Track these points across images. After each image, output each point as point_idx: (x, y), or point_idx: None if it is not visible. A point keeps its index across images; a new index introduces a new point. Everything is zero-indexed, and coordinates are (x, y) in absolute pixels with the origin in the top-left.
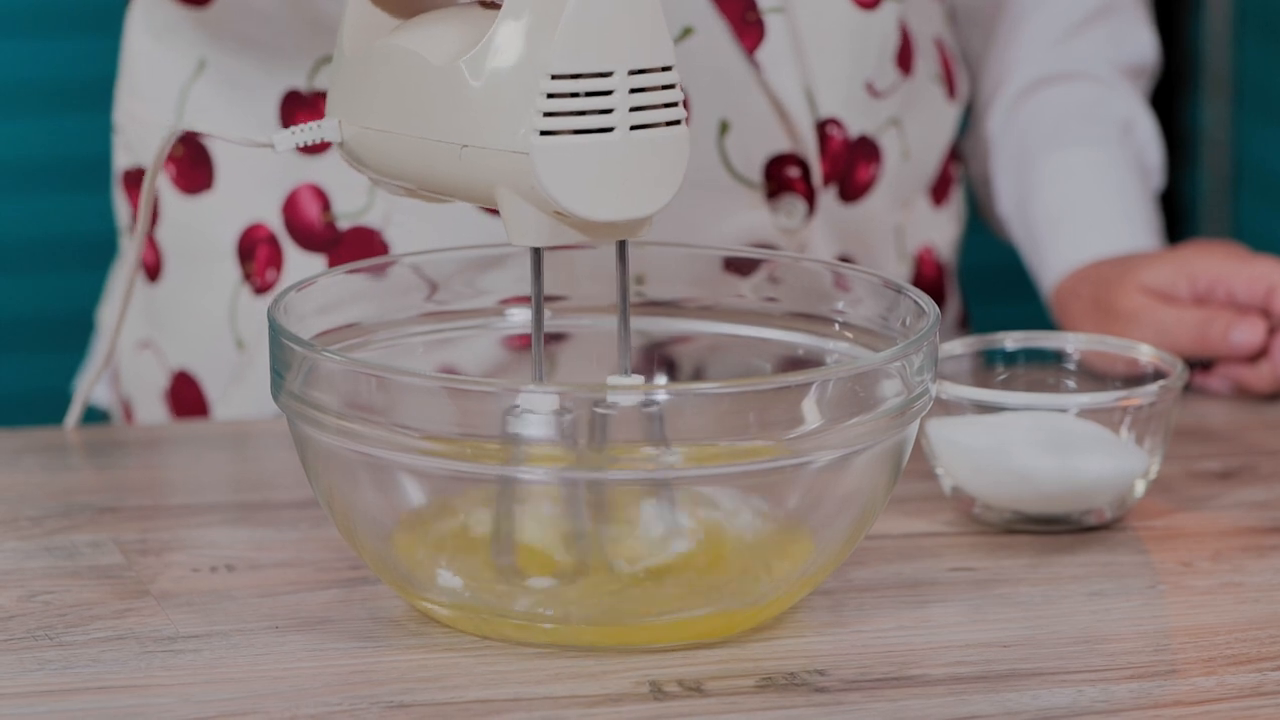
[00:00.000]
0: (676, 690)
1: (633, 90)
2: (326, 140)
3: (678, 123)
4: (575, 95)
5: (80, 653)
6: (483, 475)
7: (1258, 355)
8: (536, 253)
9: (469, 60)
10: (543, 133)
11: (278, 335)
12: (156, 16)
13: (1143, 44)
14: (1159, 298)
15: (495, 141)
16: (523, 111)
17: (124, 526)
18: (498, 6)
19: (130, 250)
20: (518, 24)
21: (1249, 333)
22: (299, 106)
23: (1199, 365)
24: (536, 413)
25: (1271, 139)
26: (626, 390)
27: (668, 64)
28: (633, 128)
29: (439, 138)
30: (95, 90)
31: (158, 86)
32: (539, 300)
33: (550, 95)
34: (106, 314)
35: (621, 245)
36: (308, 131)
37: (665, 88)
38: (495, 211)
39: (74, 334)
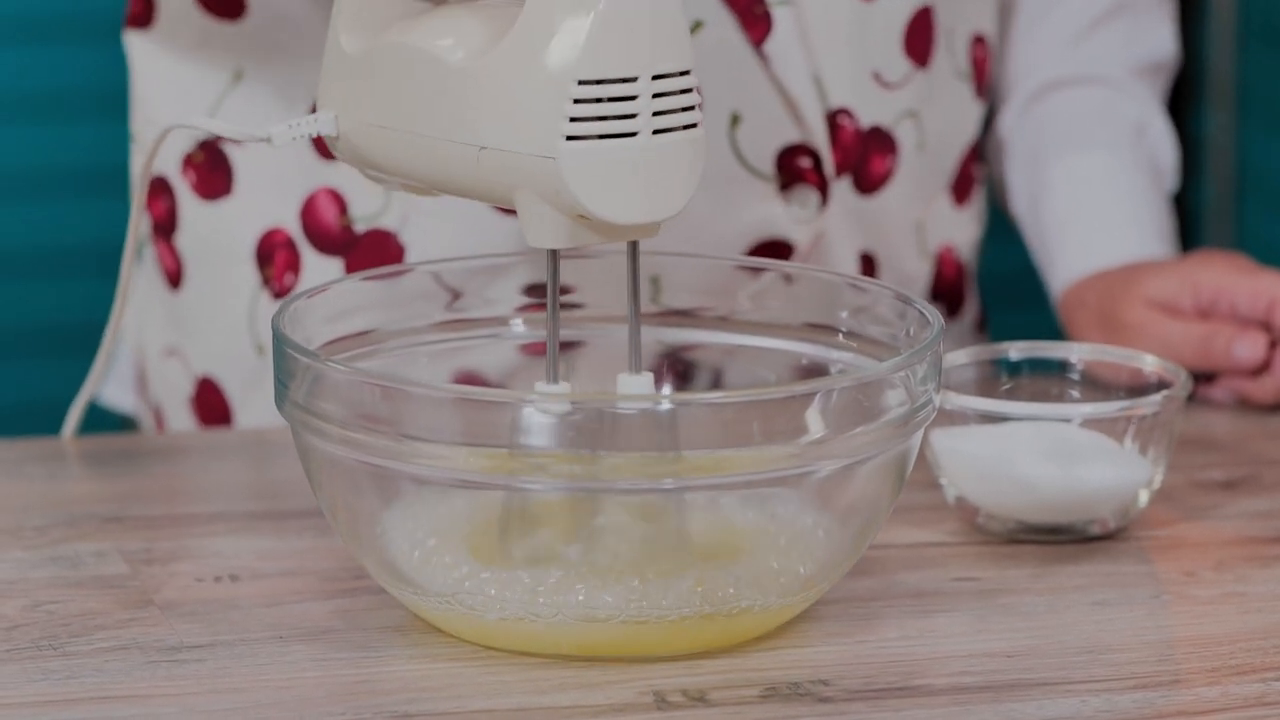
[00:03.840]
0: (680, 700)
1: (655, 95)
2: (322, 134)
3: (695, 125)
4: (600, 100)
5: (84, 663)
6: (490, 485)
7: (1260, 369)
8: (553, 254)
9: (489, 62)
10: (569, 137)
11: (281, 345)
12: (187, 33)
13: (1160, 40)
14: (1163, 310)
15: (518, 145)
16: (547, 116)
17: (128, 536)
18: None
19: (138, 254)
20: (540, 27)
21: (1250, 348)
22: None
23: (1202, 375)
24: (547, 418)
25: (1276, 147)
26: (635, 399)
27: (686, 68)
28: (655, 131)
29: (454, 138)
30: (106, 98)
31: (189, 97)
32: (554, 302)
33: (577, 101)
34: (127, 321)
35: (633, 245)
36: (303, 125)
37: (684, 91)
38: (509, 211)
39: (86, 342)
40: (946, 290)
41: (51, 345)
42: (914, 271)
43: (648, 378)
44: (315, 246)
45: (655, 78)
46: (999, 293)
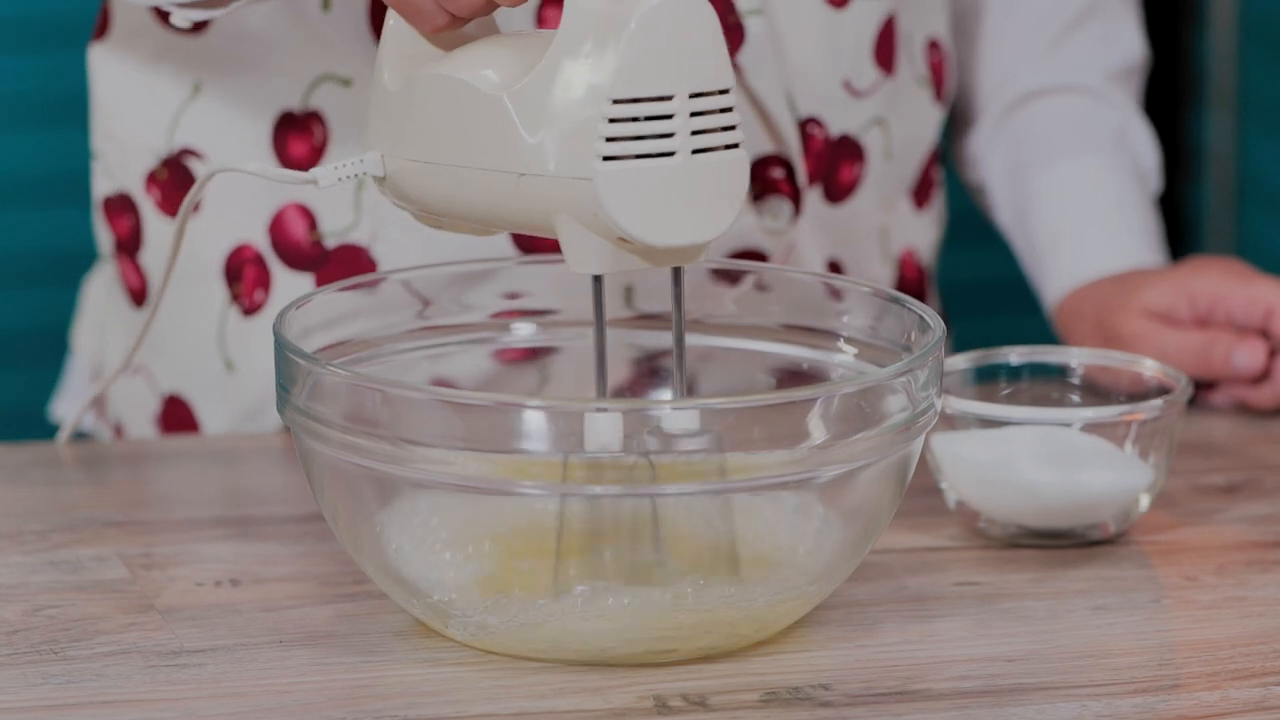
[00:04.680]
0: (681, 705)
1: (693, 114)
2: (370, 174)
3: (736, 145)
4: (636, 120)
5: (84, 667)
6: (489, 489)
7: (1260, 377)
8: (597, 280)
9: (524, 87)
10: (605, 158)
11: (283, 350)
12: (147, 44)
13: (1130, 43)
14: (1161, 320)
15: (554, 169)
16: (583, 137)
17: (128, 541)
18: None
19: (96, 270)
20: (574, 49)
21: (1249, 356)
22: (291, 127)
23: (1203, 383)
24: (599, 435)
25: (1276, 152)
26: (626, 404)
27: (726, 86)
28: (694, 151)
29: (492, 167)
30: (71, 105)
31: (149, 111)
32: (601, 326)
33: (612, 120)
34: (82, 337)
35: (676, 271)
36: (350, 166)
37: (724, 110)
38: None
39: (48, 350)
40: (908, 292)
41: (10, 353)
42: (877, 276)
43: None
44: (285, 262)
45: (693, 96)
46: (957, 302)
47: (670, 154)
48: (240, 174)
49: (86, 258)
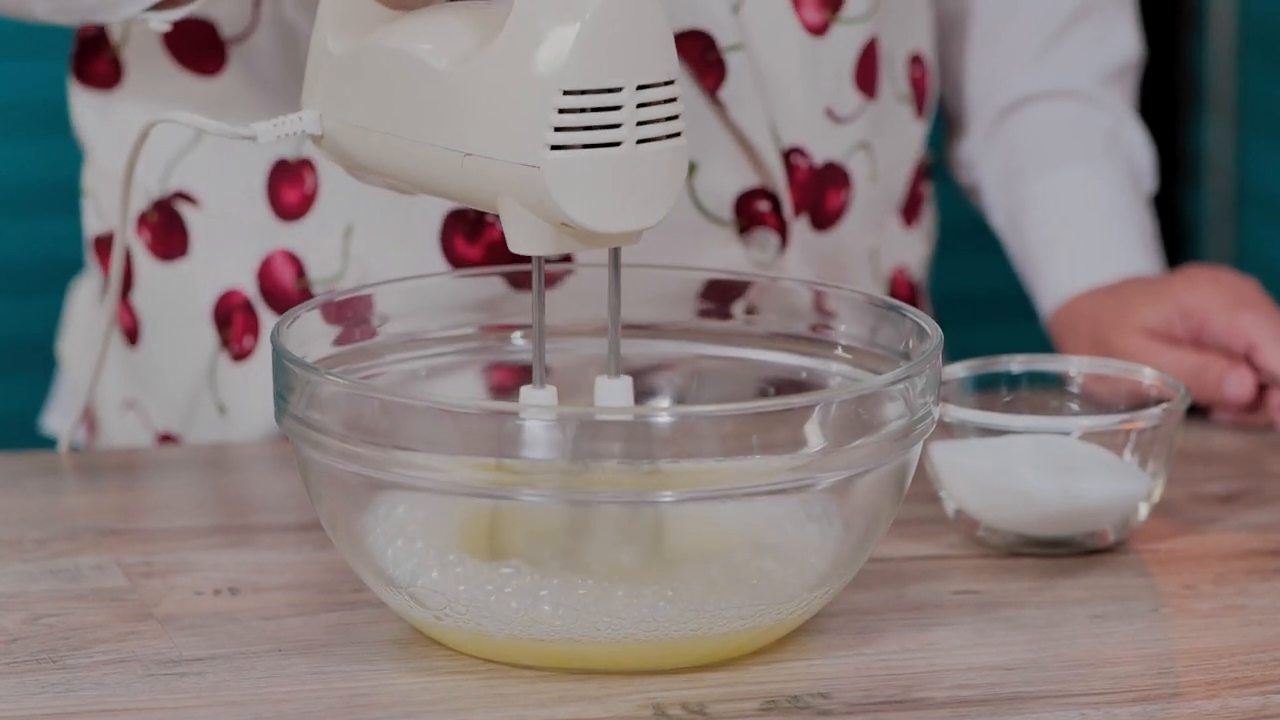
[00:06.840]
0: (680, 713)
1: (640, 105)
2: (307, 132)
3: (678, 134)
4: (585, 110)
5: (83, 676)
6: (489, 496)
7: (1253, 404)
8: (538, 261)
9: (474, 69)
10: (553, 147)
11: (281, 358)
12: (159, 92)
13: (1125, 41)
14: (1156, 338)
15: (502, 153)
16: (532, 124)
17: (127, 549)
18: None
19: (108, 308)
20: (526, 35)
21: (1239, 385)
22: (284, 174)
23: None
24: (539, 425)
25: (1275, 160)
26: (626, 410)
27: (670, 78)
28: (639, 141)
29: (439, 143)
30: (57, 113)
31: (149, 154)
32: (540, 306)
33: (562, 110)
34: (68, 349)
35: (614, 252)
36: (288, 123)
37: (667, 101)
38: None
39: (40, 358)
40: None
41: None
42: None
43: (626, 381)
44: (273, 309)
45: (640, 88)
46: (946, 312)
47: (617, 144)
48: (230, 221)
49: (79, 266)
